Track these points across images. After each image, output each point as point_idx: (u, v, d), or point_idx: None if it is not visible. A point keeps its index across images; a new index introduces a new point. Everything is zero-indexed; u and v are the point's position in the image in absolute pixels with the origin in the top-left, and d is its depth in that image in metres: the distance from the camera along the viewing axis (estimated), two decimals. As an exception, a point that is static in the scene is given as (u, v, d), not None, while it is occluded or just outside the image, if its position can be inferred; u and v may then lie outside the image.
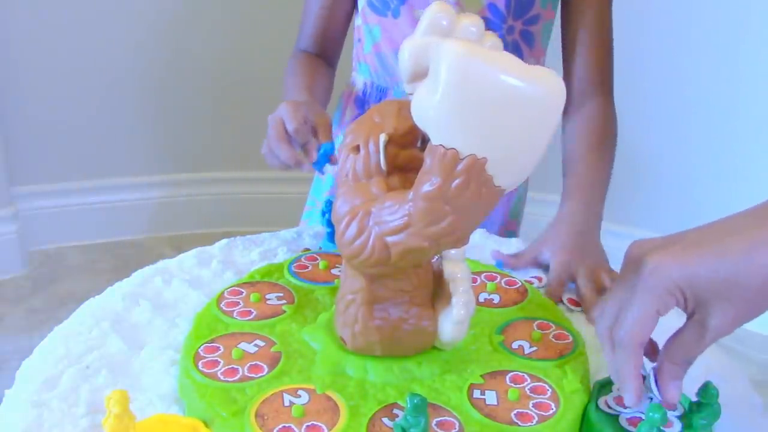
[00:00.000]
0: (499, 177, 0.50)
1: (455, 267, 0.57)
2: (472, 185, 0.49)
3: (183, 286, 0.73)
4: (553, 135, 0.50)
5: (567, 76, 0.98)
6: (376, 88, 1.03)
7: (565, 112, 1.02)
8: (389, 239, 0.52)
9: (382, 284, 0.56)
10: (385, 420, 0.53)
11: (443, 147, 0.49)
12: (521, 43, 0.97)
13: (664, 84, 1.79)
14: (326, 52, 1.03)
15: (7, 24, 1.87)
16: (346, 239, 0.54)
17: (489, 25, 0.94)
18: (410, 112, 0.52)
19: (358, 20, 1.03)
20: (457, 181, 0.49)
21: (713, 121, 1.76)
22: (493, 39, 0.53)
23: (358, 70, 1.06)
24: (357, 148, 0.57)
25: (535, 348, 0.62)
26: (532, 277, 0.78)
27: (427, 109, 0.49)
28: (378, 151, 0.55)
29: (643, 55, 1.79)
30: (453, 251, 0.57)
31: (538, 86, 0.48)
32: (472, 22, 0.52)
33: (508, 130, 0.49)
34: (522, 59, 1.02)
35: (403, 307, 0.57)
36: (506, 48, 0.98)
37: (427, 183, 0.50)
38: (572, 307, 0.74)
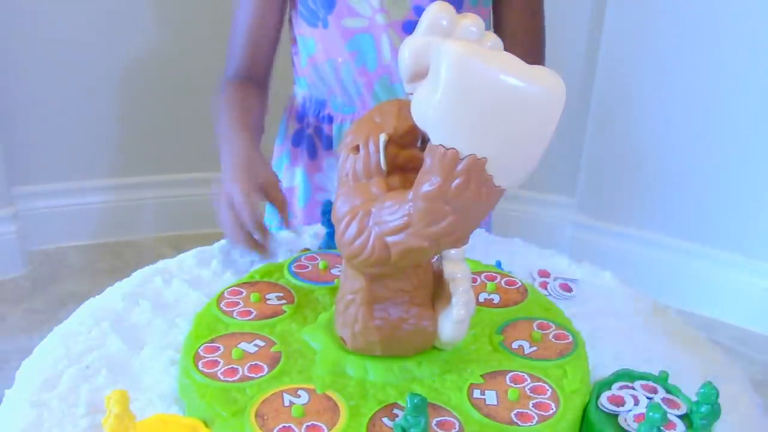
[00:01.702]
0: (499, 177, 0.50)
1: (455, 267, 0.57)
2: (472, 185, 0.49)
3: (183, 286, 0.74)
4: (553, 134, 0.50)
5: None
6: (314, 101, 1.02)
7: None
8: (389, 239, 0.52)
9: (382, 284, 0.56)
10: (385, 420, 0.53)
11: (443, 147, 0.49)
12: None
13: (664, 82, 1.79)
14: (258, 71, 1.00)
15: (7, 25, 1.87)
16: (346, 239, 0.54)
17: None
18: (410, 112, 0.52)
19: (292, 32, 1.01)
20: (457, 181, 0.49)
21: (716, 122, 1.76)
22: (493, 39, 0.53)
23: (297, 83, 1.05)
24: (357, 148, 0.56)
25: (535, 348, 0.62)
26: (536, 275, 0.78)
27: (427, 109, 0.49)
28: (378, 151, 0.55)
29: (643, 53, 1.79)
30: (453, 251, 0.57)
31: (538, 86, 0.48)
32: (473, 22, 0.52)
33: (509, 130, 0.49)
34: None
35: (403, 307, 0.57)
36: None
37: (427, 183, 0.50)
38: (564, 293, 0.75)
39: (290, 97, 1.06)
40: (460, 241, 0.53)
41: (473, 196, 0.50)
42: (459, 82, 0.47)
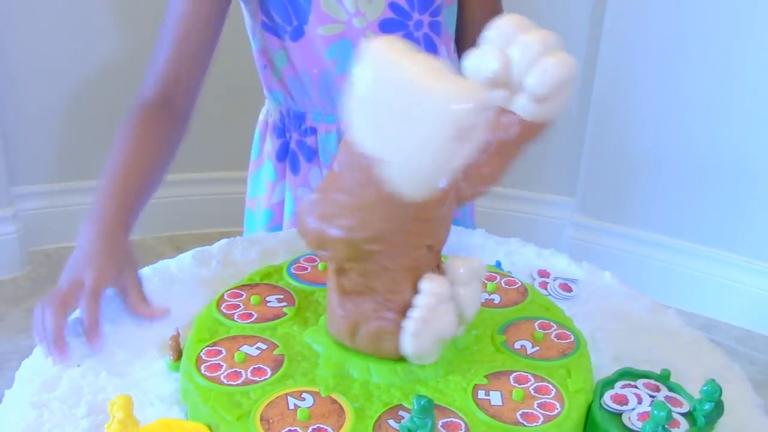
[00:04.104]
0: (397, 180, 0.49)
1: (428, 283, 0.56)
2: (371, 183, 0.50)
3: (182, 287, 0.73)
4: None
5: (460, 57, 0.99)
6: (294, 114, 0.98)
7: None
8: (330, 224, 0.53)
9: (347, 276, 0.56)
10: (391, 422, 0.53)
11: (351, 142, 0.50)
12: (432, 35, 0.96)
13: (663, 82, 1.79)
14: (181, 94, 0.87)
15: (6, 24, 1.87)
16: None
17: (394, 25, 0.92)
18: None
19: (254, 45, 0.97)
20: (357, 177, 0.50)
21: (716, 122, 1.76)
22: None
23: (270, 98, 1.00)
24: None
25: (537, 348, 0.62)
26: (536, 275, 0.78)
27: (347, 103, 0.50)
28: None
29: (643, 53, 1.79)
30: (430, 272, 0.56)
31: (440, 96, 0.47)
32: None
33: (406, 136, 0.48)
34: (435, 50, 0.98)
35: (374, 307, 0.57)
36: (418, 42, 0.95)
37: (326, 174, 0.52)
38: (564, 293, 0.75)
39: (263, 112, 1.03)
40: (369, 241, 0.53)
41: (369, 194, 0.50)
42: (369, 81, 0.48)
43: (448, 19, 0.98)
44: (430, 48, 0.96)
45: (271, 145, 1.02)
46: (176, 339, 0.63)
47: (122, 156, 0.82)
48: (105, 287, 0.68)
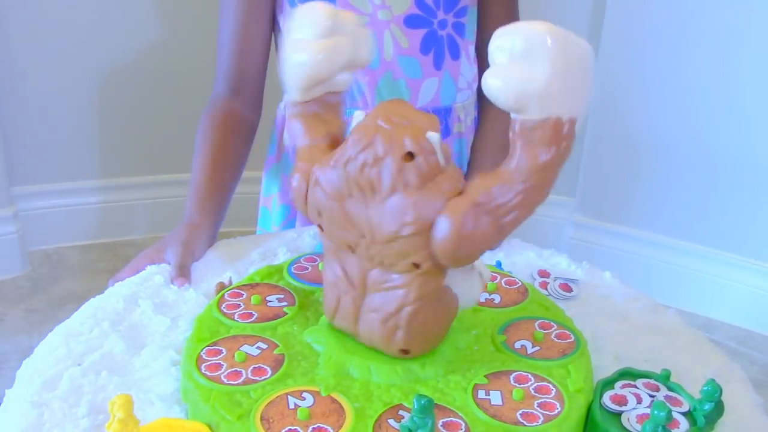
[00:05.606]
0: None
1: None
2: (570, 145, 0.52)
3: (183, 286, 0.73)
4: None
5: (481, 66, 1.02)
6: None
7: (480, 99, 1.04)
8: (506, 219, 0.53)
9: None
10: (392, 422, 0.53)
11: (552, 117, 0.51)
12: (455, 36, 0.97)
13: (663, 82, 1.79)
14: (248, 84, 0.96)
15: (6, 24, 1.87)
16: (474, 239, 0.53)
17: (418, 21, 0.93)
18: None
19: (281, 38, 0.97)
20: (564, 144, 0.52)
21: (717, 122, 1.76)
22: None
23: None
24: (410, 156, 0.53)
25: (537, 348, 0.62)
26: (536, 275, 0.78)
27: (533, 83, 0.51)
28: (434, 151, 0.54)
29: (643, 52, 1.80)
30: None
31: (585, 42, 0.52)
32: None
33: (585, 88, 0.53)
34: (457, 52, 1.01)
35: None
36: (442, 42, 0.97)
37: (543, 154, 0.51)
38: (564, 293, 0.75)
39: (282, 107, 1.03)
40: None
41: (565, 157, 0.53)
42: (563, 51, 0.51)
43: (471, 22, 0.99)
44: (453, 49, 0.97)
45: (289, 140, 1.02)
46: (222, 285, 0.70)
47: (200, 158, 0.91)
48: (193, 244, 0.79)
